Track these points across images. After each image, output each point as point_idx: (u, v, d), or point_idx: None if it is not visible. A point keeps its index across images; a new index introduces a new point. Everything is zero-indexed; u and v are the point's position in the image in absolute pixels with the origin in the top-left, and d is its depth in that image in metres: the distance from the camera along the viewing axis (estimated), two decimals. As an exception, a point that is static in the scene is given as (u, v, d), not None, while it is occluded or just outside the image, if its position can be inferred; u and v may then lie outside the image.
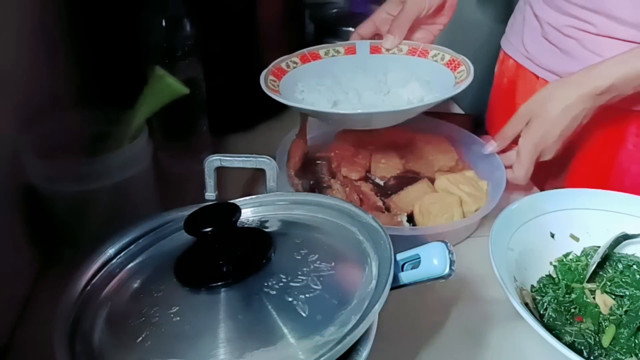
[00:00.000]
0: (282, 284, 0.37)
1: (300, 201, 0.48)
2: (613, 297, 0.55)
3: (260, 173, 0.52)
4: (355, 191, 0.69)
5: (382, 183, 0.73)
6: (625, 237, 0.60)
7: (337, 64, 0.73)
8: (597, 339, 0.52)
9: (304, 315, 0.35)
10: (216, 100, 0.75)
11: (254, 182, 0.73)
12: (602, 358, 0.51)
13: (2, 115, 0.54)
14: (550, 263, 0.60)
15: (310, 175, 0.71)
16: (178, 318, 0.36)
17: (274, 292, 0.37)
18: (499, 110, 0.94)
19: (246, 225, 0.46)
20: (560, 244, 0.61)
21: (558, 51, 0.79)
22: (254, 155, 0.52)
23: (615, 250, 0.60)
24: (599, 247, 0.60)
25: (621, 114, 0.75)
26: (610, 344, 0.51)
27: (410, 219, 0.67)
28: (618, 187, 0.65)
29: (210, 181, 0.53)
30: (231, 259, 0.39)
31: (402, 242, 0.42)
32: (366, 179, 0.73)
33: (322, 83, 0.68)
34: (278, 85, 0.67)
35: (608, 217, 0.61)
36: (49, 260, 0.60)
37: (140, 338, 0.35)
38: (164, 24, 0.66)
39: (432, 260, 0.39)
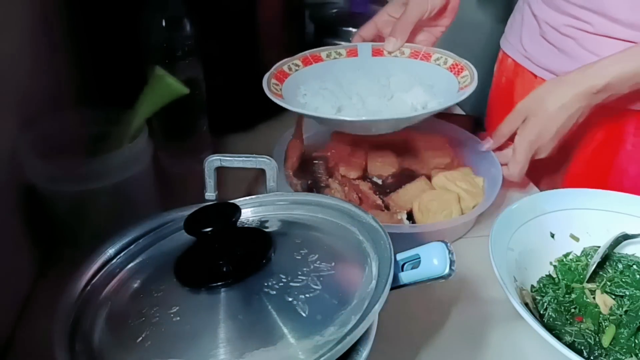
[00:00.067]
0: (282, 284, 0.37)
1: (300, 201, 0.48)
2: (613, 297, 0.55)
3: (260, 173, 0.52)
4: (354, 190, 0.69)
5: (380, 181, 0.73)
6: (625, 237, 0.60)
7: (339, 67, 0.73)
8: (597, 339, 0.52)
9: (304, 315, 0.35)
10: (216, 100, 0.75)
11: (254, 182, 0.73)
12: (602, 358, 0.51)
13: (2, 115, 0.54)
14: (550, 263, 0.60)
15: (308, 175, 0.71)
16: (178, 318, 0.36)
17: (274, 292, 0.37)
18: (497, 109, 0.94)
19: (246, 225, 0.46)
20: (560, 244, 0.61)
21: (556, 50, 0.80)
22: (254, 155, 0.52)
23: (615, 250, 0.60)
24: (599, 247, 0.60)
25: (619, 113, 0.75)
26: (610, 344, 0.51)
27: (410, 216, 0.67)
28: (617, 187, 0.65)
29: (210, 181, 0.52)
30: (231, 259, 0.39)
31: (402, 240, 0.42)
32: (364, 177, 0.73)
33: (325, 87, 0.68)
34: (281, 89, 0.67)
35: (608, 217, 0.61)
36: (49, 260, 0.60)
37: (140, 338, 0.35)
38: (164, 24, 0.66)
39: (432, 260, 0.39)
